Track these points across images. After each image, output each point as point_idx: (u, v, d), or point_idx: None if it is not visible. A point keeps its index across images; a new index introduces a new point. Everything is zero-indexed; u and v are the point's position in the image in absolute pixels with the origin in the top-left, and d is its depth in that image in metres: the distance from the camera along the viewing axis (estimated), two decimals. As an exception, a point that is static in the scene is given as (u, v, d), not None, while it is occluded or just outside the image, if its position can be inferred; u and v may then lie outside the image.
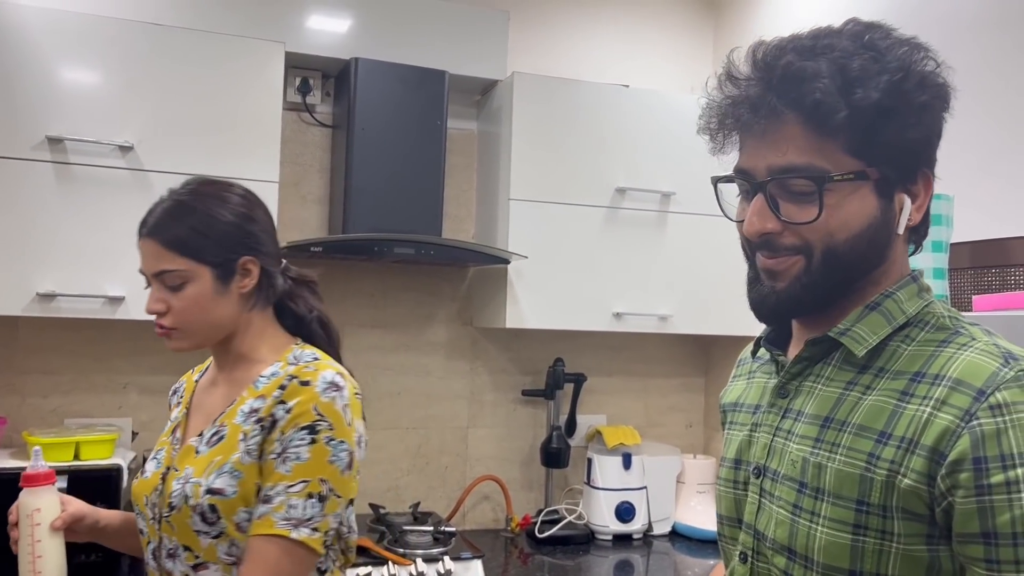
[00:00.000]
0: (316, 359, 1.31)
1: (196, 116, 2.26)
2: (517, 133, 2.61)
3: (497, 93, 2.76)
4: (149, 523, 1.30)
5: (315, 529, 1.19)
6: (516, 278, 2.59)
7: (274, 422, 1.22)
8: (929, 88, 0.89)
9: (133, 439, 2.45)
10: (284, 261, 1.44)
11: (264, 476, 1.21)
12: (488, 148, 2.83)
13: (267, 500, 1.20)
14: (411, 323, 2.83)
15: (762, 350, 1.05)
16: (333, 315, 2.67)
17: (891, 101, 0.86)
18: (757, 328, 1.05)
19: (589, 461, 2.82)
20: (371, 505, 2.62)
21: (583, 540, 2.70)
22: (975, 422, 0.78)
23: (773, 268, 0.91)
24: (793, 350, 0.99)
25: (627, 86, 2.80)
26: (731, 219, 0.97)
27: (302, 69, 2.66)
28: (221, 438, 1.26)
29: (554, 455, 2.79)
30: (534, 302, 2.60)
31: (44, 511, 1.28)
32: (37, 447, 1.31)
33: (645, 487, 2.80)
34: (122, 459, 2.12)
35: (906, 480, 0.81)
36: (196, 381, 1.45)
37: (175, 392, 1.48)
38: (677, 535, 2.82)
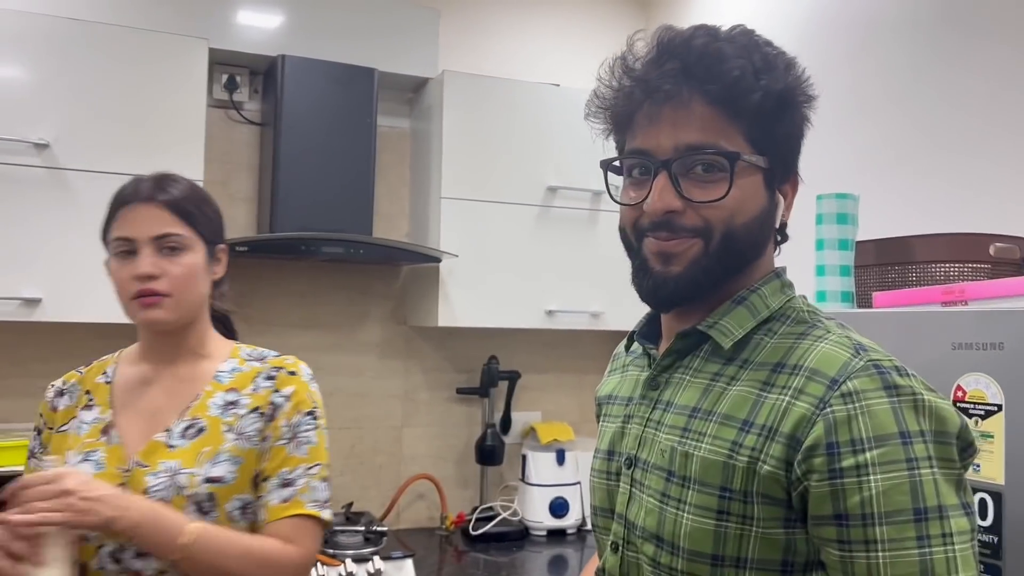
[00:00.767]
0: (278, 354, 1.40)
1: (116, 113, 2.21)
2: (448, 131, 2.61)
3: (428, 91, 2.76)
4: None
5: (328, 510, 1.30)
6: (448, 276, 2.59)
7: (275, 409, 1.30)
8: (806, 94, 0.93)
9: (55, 444, 2.39)
10: None
11: (273, 460, 1.28)
12: (420, 146, 2.82)
13: (289, 483, 1.27)
14: (343, 323, 2.81)
15: (635, 344, 1.07)
16: (262, 315, 2.68)
17: (788, 96, 0.91)
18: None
19: (524, 458, 2.84)
20: (303, 506, 2.60)
21: (517, 536, 2.71)
22: (828, 409, 0.81)
23: (669, 251, 0.90)
24: (664, 344, 1.01)
25: (558, 85, 2.83)
26: (618, 202, 0.96)
27: (229, 66, 2.62)
28: (201, 430, 1.27)
29: (489, 453, 2.80)
30: (467, 300, 2.61)
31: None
32: (50, 458, 1.28)
33: (579, 482, 2.82)
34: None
35: (766, 466, 0.83)
36: (106, 383, 1.34)
37: (62, 394, 1.36)
38: (610, 529, 2.85)
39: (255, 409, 1.31)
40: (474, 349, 2.95)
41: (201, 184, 2.27)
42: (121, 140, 2.21)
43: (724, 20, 3.12)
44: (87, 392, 1.35)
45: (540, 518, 2.75)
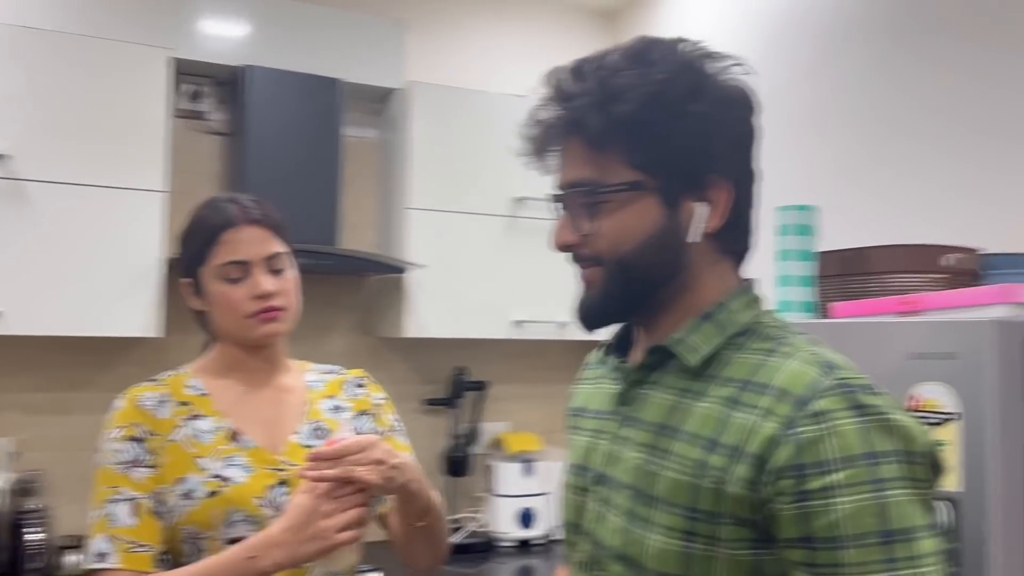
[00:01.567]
0: (344, 367, 1.53)
1: (78, 124, 2.18)
2: (415, 142, 2.61)
3: (395, 101, 2.76)
4: (265, 524, 1.24)
5: None
6: (416, 287, 2.59)
7: (378, 409, 1.44)
8: (705, 97, 0.89)
9: (13, 459, 2.35)
10: None
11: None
12: (387, 156, 2.82)
13: None
14: (309, 334, 2.78)
15: (611, 356, 1.05)
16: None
17: (651, 113, 0.87)
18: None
19: (492, 469, 2.84)
20: (269, 520, 2.57)
21: (485, 548, 2.71)
22: (796, 430, 0.79)
23: (583, 278, 0.94)
24: (637, 357, 1.00)
25: (525, 96, 2.84)
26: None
27: (193, 76, 2.60)
28: (327, 431, 1.36)
29: (457, 464, 2.80)
30: (435, 311, 2.61)
31: None
32: (348, 417, 1.35)
33: (547, 493, 2.83)
34: (1, 480, 2.03)
35: (733, 487, 0.81)
36: (202, 395, 1.33)
37: (162, 403, 1.30)
38: (579, 539, 2.86)
39: (362, 412, 1.43)
40: (441, 360, 2.95)
41: (162, 195, 2.26)
42: (83, 151, 2.18)
43: (691, 31, 3.15)
44: (183, 403, 1.32)
45: (508, 529, 2.75)
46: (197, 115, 2.63)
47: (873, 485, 0.77)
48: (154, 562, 1.22)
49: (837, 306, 1.44)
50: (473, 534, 2.72)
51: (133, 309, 2.22)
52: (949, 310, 1.22)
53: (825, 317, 1.58)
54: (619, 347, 1.04)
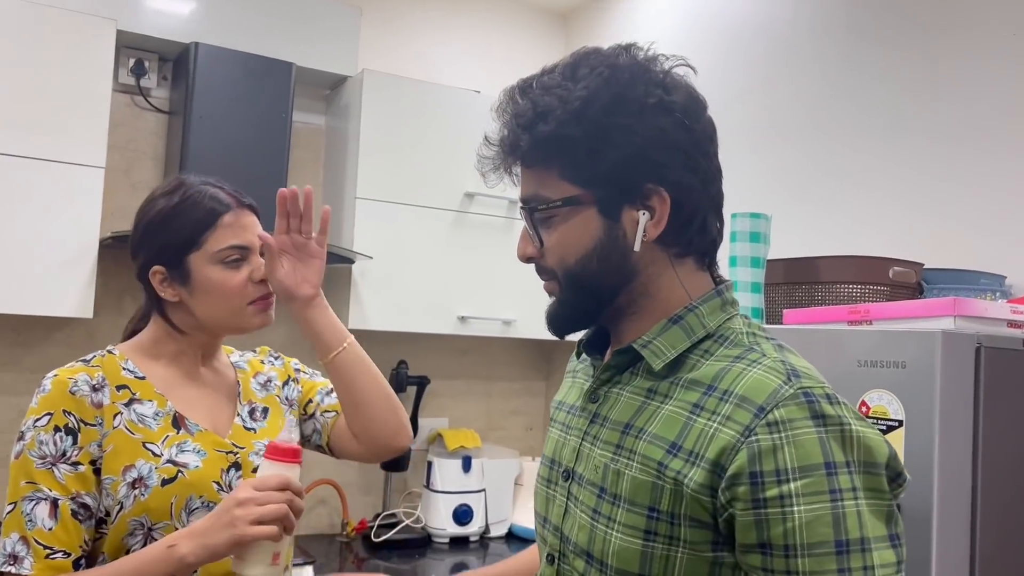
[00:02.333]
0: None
1: (14, 93, 2.08)
2: (366, 131, 2.57)
3: (347, 89, 2.71)
4: None
5: None
6: (361, 278, 2.55)
7: (298, 372, 1.47)
8: (627, 109, 0.89)
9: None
10: None
11: (307, 387, 1.45)
12: (336, 144, 2.77)
13: (329, 391, 1.45)
14: (248, 321, 2.72)
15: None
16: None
17: (571, 130, 0.89)
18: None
19: (429, 464, 2.82)
20: (198, 511, 2.51)
21: (420, 543, 2.69)
22: (753, 438, 0.80)
23: (545, 289, 0.99)
24: (609, 355, 1.02)
25: (479, 92, 2.83)
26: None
27: (137, 50, 2.51)
28: (265, 410, 1.36)
29: (393, 460, 2.76)
30: (379, 303, 2.57)
31: None
32: (292, 417, 1.28)
33: (484, 489, 2.82)
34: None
35: (691, 491, 0.83)
36: (139, 379, 1.24)
37: (97, 389, 1.20)
38: (513, 536, 2.86)
39: (286, 381, 1.44)
40: (383, 353, 2.91)
41: (103, 171, 2.17)
42: (19, 121, 2.08)
43: (643, 30, 3.17)
44: (120, 387, 1.22)
45: (443, 525, 2.73)
46: (139, 91, 2.54)
47: (829, 495, 0.78)
48: (72, 569, 1.14)
49: (788, 312, 1.47)
50: (408, 529, 2.70)
51: (67, 288, 2.13)
52: (898, 320, 1.26)
53: (775, 323, 1.61)
54: (595, 344, 1.05)
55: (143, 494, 1.16)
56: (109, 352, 1.28)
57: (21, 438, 1.16)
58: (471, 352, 3.08)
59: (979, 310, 1.22)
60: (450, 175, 2.67)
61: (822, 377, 0.86)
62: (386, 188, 2.59)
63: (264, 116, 2.48)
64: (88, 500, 1.15)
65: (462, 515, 2.75)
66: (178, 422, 1.24)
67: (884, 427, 1.17)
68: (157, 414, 1.23)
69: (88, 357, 1.26)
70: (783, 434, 0.79)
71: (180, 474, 1.19)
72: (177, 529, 1.17)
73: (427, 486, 2.80)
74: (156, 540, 1.15)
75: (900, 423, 1.15)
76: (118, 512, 1.16)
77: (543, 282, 0.98)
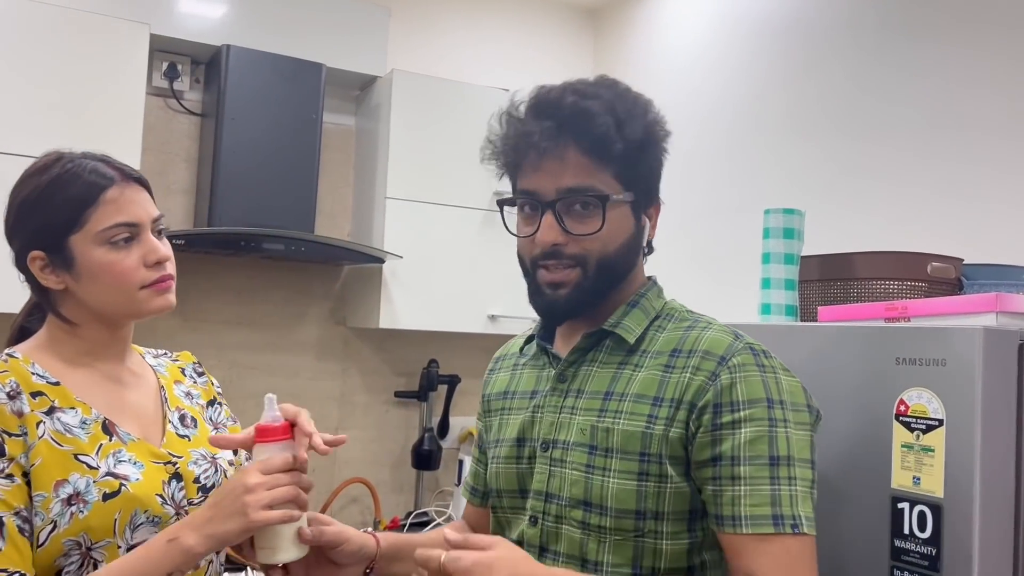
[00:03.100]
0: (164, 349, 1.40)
1: (50, 97, 2.12)
2: (396, 131, 2.58)
3: (376, 89, 2.72)
4: (168, 524, 1.10)
5: None
6: (391, 278, 2.56)
7: (220, 395, 1.36)
8: (663, 131, 1.13)
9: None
10: None
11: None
12: (365, 145, 2.78)
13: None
14: (280, 322, 2.75)
15: (529, 346, 1.25)
16: (196, 311, 2.59)
17: (647, 139, 1.10)
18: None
19: (460, 463, 2.82)
20: (233, 509, 2.53)
21: (452, 542, 2.68)
22: (718, 379, 1.03)
23: (556, 280, 1.09)
24: (561, 344, 1.19)
25: (507, 90, 2.82)
26: (514, 234, 1.16)
27: (170, 53, 2.54)
28: (193, 419, 1.26)
29: (425, 457, 2.77)
30: (409, 302, 2.58)
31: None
32: (271, 395, 1.09)
33: (515, 489, 2.81)
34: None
35: (674, 430, 1.03)
36: (52, 383, 1.11)
37: (14, 397, 1.06)
38: (545, 536, 2.85)
39: (211, 401, 1.33)
40: (414, 352, 2.92)
41: (137, 174, 2.20)
42: (55, 124, 2.12)
43: (672, 29, 3.16)
44: (35, 394, 1.09)
45: (475, 524, 2.73)
46: (172, 94, 2.57)
47: (768, 422, 1.01)
48: None
49: (823, 309, 1.45)
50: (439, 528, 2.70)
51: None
52: (938, 317, 1.23)
53: (810, 320, 1.58)
54: (544, 337, 1.21)
55: (82, 511, 1.04)
56: (10, 356, 1.12)
57: None
58: (501, 351, 3.08)
59: (1022, 306, 1.19)
60: (479, 174, 2.63)
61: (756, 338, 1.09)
62: (416, 187, 2.60)
63: (295, 117, 2.49)
64: (28, 515, 1.02)
65: (493, 514, 2.74)
66: (109, 429, 1.12)
67: (924, 426, 1.14)
68: (84, 422, 1.10)
69: None
70: (738, 374, 1.03)
71: (123, 487, 1.07)
72: (120, 548, 1.06)
73: (458, 484, 2.80)
74: (96, 560, 1.05)
75: (940, 422, 1.12)
76: (50, 532, 1.02)
77: (555, 270, 1.08)
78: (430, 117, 2.63)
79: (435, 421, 2.85)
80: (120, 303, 1.14)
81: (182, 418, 1.24)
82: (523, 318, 2.69)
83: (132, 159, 2.19)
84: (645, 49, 2.97)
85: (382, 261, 2.52)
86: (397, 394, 2.87)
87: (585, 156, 1.06)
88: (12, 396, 1.05)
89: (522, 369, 1.25)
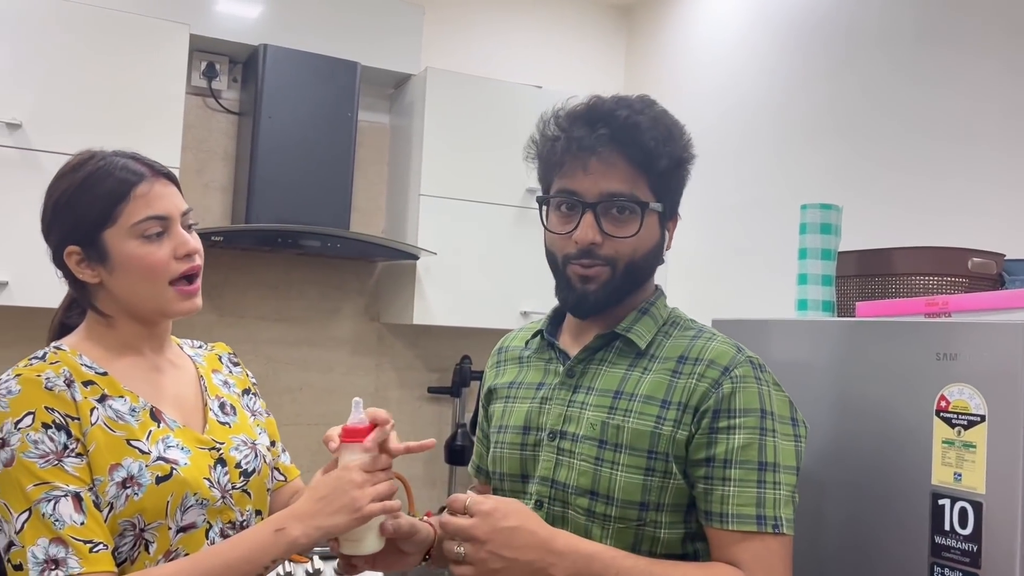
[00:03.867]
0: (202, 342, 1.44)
1: (93, 96, 2.16)
2: (429, 128, 2.60)
3: (410, 87, 2.74)
4: (215, 507, 1.16)
5: None
6: (425, 274, 2.57)
7: (255, 386, 1.40)
8: (691, 154, 1.21)
9: None
10: None
11: (271, 429, 1.38)
12: (400, 142, 2.80)
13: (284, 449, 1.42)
14: (315, 317, 2.78)
15: (533, 341, 1.33)
16: (233, 307, 2.63)
17: (683, 156, 1.19)
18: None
19: (493, 459, 2.83)
20: (269, 502, 2.56)
21: (484, 537, 2.70)
22: (720, 387, 1.11)
23: (588, 275, 1.16)
24: (569, 341, 1.27)
25: (540, 87, 2.83)
26: (549, 229, 1.21)
27: (208, 53, 2.58)
28: (232, 407, 1.30)
29: (458, 452, 2.79)
30: (442, 299, 2.59)
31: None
32: (358, 398, 1.16)
33: (547, 485, 2.82)
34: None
35: (680, 432, 1.11)
36: (101, 374, 1.14)
37: (71, 384, 1.10)
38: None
39: (246, 391, 1.37)
40: (447, 348, 2.94)
41: (177, 172, 2.23)
42: (96, 123, 2.16)
43: (705, 28, 3.14)
44: (86, 383, 1.12)
45: (508, 520, 2.74)
46: (211, 93, 2.61)
47: (760, 430, 1.09)
48: (114, 560, 1.05)
49: (861, 305, 1.44)
50: (473, 524, 2.71)
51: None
52: (979, 312, 1.22)
53: (845, 316, 1.57)
54: (552, 333, 1.30)
55: (136, 493, 1.08)
56: (58, 348, 1.16)
57: (4, 445, 1.03)
58: (534, 347, 3.08)
59: (1065, 301, 1.17)
60: (512, 171, 2.67)
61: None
62: (449, 185, 2.61)
63: (330, 115, 2.52)
64: (95, 492, 1.07)
65: (526, 510, 2.75)
66: (156, 416, 1.16)
67: (965, 422, 1.13)
68: (133, 410, 1.14)
69: (40, 354, 1.15)
70: (738, 384, 1.11)
71: (174, 471, 1.12)
72: (171, 529, 1.11)
73: (491, 480, 2.82)
74: (148, 541, 1.09)
75: (982, 418, 1.11)
76: (108, 513, 1.06)
77: (587, 267, 1.15)
78: (463, 114, 2.64)
79: (468, 417, 2.86)
80: (150, 297, 1.17)
81: (222, 406, 1.28)
82: (556, 314, 2.69)
83: (172, 157, 2.23)
84: (678, 46, 2.96)
85: (416, 257, 2.54)
86: (430, 390, 2.89)
87: (631, 165, 1.14)
88: (69, 384, 1.09)
89: (527, 362, 1.33)
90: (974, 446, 1.12)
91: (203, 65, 2.58)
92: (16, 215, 2.07)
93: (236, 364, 1.40)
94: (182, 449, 1.15)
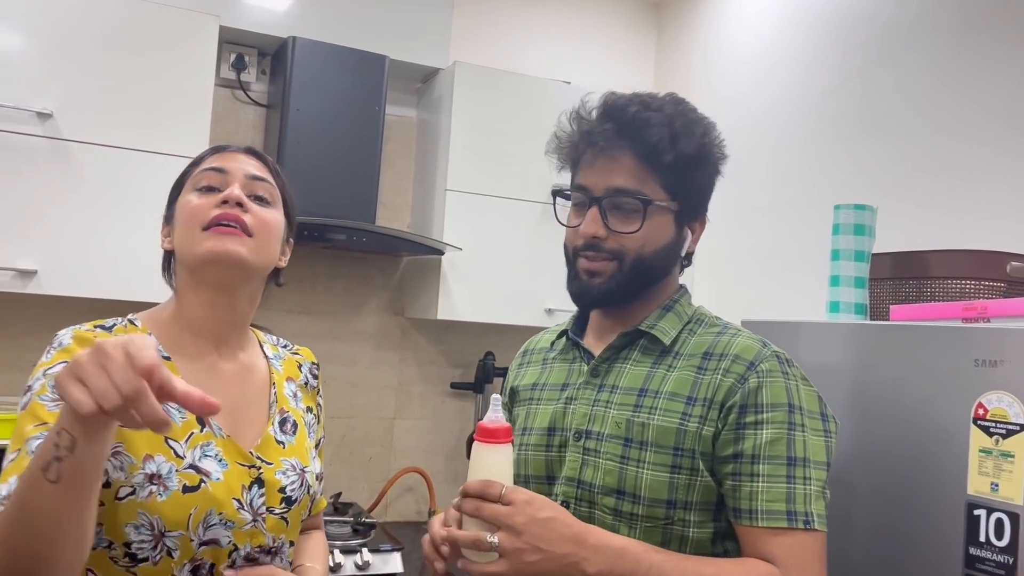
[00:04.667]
0: (286, 341, 1.35)
1: (123, 86, 2.17)
2: (457, 123, 2.58)
3: (438, 81, 2.73)
4: (242, 529, 1.08)
5: None
6: (450, 269, 2.56)
7: (320, 409, 1.31)
8: (719, 153, 1.20)
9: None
10: None
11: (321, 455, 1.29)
12: (427, 137, 2.79)
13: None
14: (339, 311, 2.78)
15: (559, 341, 1.33)
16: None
17: (700, 156, 1.17)
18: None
19: (515, 456, 2.82)
20: (291, 494, 2.57)
21: (505, 535, 2.69)
22: (746, 382, 1.11)
23: (593, 269, 1.17)
24: (594, 341, 1.26)
25: (569, 83, 2.80)
26: (562, 223, 1.24)
27: (237, 45, 2.58)
28: (295, 425, 1.22)
29: (480, 449, 2.77)
30: (467, 294, 2.58)
31: (491, 473, 1.05)
32: (496, 395, 1.09)
33: (569, 483, 2.80)
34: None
35: (706, 428, 1.11)
36: (164, 358, 1.09)
37: None
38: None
39: (309, 409, 1.28)
40: (471, 344, 2.93)
41: (205, 163, 2.24)
42: (126, 114, 2.17)
43: (735, 24, 3.09)
44: None
45: (529, 517, 2.72)
46: (240, 85, 2.61)
47: (788, 426, 1.09)
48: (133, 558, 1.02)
49: (896, 308, 1.40)
50: (494, 521, 2.70)
51: (170, 276, 2.20)
52: (1016, 318, 1.18)
53: (878, 319, 1.54)
54: (577, 335, 1.29)
55: (160, 495, 1.02)
56: (131, 323, 1.13)
57: (29, 389, 1.02)
58: (558, 345, 3.06)
59: (1110, 308, 1.14)
60: (539, 167, 2.62)
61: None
62: (476, 180, 2.60)
63: (358, 108, 2.51)
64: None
65: (547, 508, 2.73)
66: (203, 419, 1.10)
67: (1004, 431, 1.10)
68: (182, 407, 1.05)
69: (108, 324, 1.11)
70: (764, 379, 1.11)
71: (203, 483, 1.05)
72: (192, 541, 1.04)
73: (512, 478, 2.80)
74: (169, 547, 1.03)
75: (1021, 427, 1.08)
76: (128, 494, 1.02)
77: (594, 261, 1.16)
78: (491, 109, 2.63)
79: (490, 413, 2.85)
80: (185, 242, 1.11)
81: (283, 422, 1.20)
82: (581, 312, 2.67)
83: (200, 148, 2.21)
84: (709, 42, 2.93)
85: (441, 253, 2.53)
86: (453, 385, 2.88)
87: (637, 161, 1.14)
88: None
89: (551, 363, 1.32)
90: (1012, 456, 1.09)
91: (232, 57, 2.58)
92: (46, 204, 2.09)
93: (315, 377, 1.32)
94: (219, 461, 1.08)
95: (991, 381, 1.12)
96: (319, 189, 2.45)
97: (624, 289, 1.17)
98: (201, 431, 1.09)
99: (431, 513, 2.74)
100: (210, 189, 1.12)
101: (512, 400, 1.37)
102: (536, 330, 2.98)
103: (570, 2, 3.11)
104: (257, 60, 2.63)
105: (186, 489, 1.04)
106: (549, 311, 2.64)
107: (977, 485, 1.13)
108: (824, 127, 2.39)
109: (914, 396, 1.24)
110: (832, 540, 1.13)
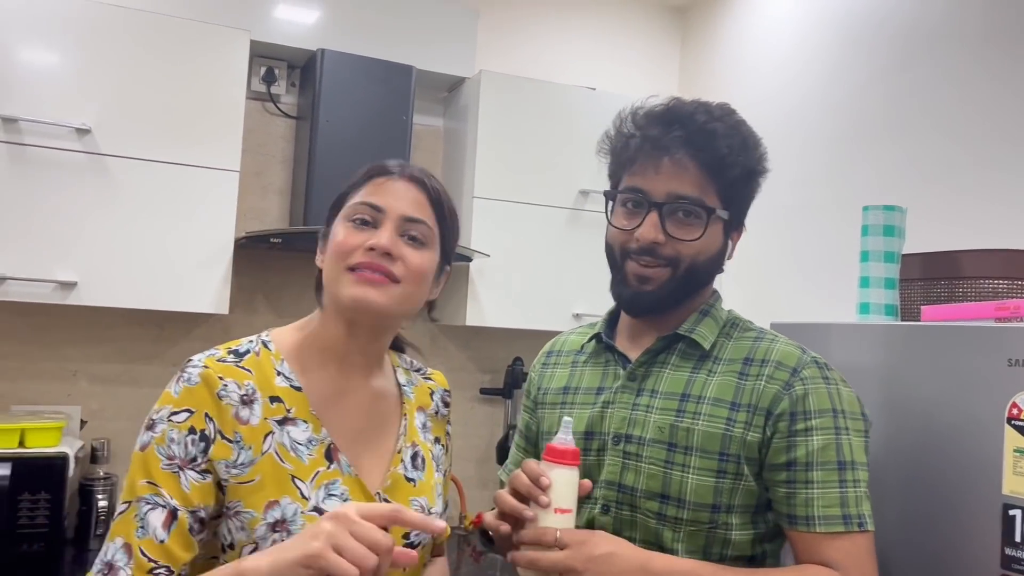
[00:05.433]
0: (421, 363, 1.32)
1: (157, 101, 2.22)
2: (483, 131, 2.61)
3: (464, 90, 2.75)
4: None
5: None
6: (478, 276, 2.58)
7: (448, 439, 1.28)
8: (765, 168, 1.22)
9: (82, 427, 2.40)
10: None
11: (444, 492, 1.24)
12: (453, 145, 2.82)
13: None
14: (370, 318, 2.80)
15: (589, 344, 1.32)
16: (291, 309, 2.67)
17: (756, 168, 1.20)
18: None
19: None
20: (324, 500, 2.59)
21: (536, 539, 2.70)
22: (792, 388, 1.12)
23: (646, 275, 1.17)
24: (627, 344, 1.26)
25: (594, 89, 2.82)
26: (615, 226, 1.22)
27: (267, 59, 2.63)
28: (424, 459, 1.17)
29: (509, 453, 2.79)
30: (495, 300, 2.60)
31: (557, 493, 1.06)
32: (568, 418, 1.10)
33: (599, 488, 2.81)
34: (69, 447, 2.08)
35: (751, 433, 1.12)
36: (294, 388, 1.08)
37: (249, 402, 1.04)
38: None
39: (437, 439, 1.24)
40: (499, 350, 2.95)
41: (238, 175, 2.28)
42: (161, 128, 2.22)
43: (760, 30, 3.09)
44: (273, 400, 1.05)
45: (560, 522, 2.73)
46: (270, 97, 2.66)
47: (835, 430, 1.11)
48: None
49: (927, 309, 1.40)
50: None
51: (205, 286, 2.25)
52: (1052, 317, 1.18)
53: (909, 320, 1.53)
54: (609, 336, 1.29)
55: (284, 540, 0.97)
56: (264, 346, 1.11)
57: (151, 427, 1.01)
58: (586, 350, 3.07)
59: None
60: (565, 172, 2.67)
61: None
62: (503, 187, 2.62)
63: (386, 118, 2.55)
64: (204, 515, 1.00)
65: (578, 512, 2.74)
66: (331, 455, 1.06)
67: (1038, 430, 1.10)
68: (311, 441, 1.05)
69: (241, 349, 1.09)
70: (808, 386, 1.12)
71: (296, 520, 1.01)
72: None
73: (543, 483, 2.81)
74: None
75: (1057, 426, 1.08)
76: (251, 551, 0.99)
77: (648, 266, 1.16)
78: (517, 117, 2.65)
79: (519, 418, 2.86)
80: (331, 279, 1.09)
81: (414, 457, 1.16)
82: (609, 317, 2.68)
83: (232, 161, 2.28)
84: (734, 47, 2.93)
85: (469, 259, 2.55)
86: (482, 391, 2.90)
87: (702, 170, 1.15)
88: (245, 402, 1.03)
89: (583, 367, 1.31)
90: (1048, 456, 1.08)
91: (262, 71, 2.63)
92: (85, 217, 2.14)
93: (447, 405, 1.28)
94: (344, 501, 1.04)
95: (1025, 381, 1.12)
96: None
97: (674, 296, 1.18)
98: (328, 467, 1.06)
99: (462, 518, 2.76)
100: (364, 223, 1.10)
101: (537, 403, 1.36)
102: (564, 335, 2.99)
103: (594, 9, 3.13)
104: (287, 73, 2.67)
105: None
106: (577, 316, 2.66)
107: (1012, 485, 1.13)
108: (851, 128, 2.39)
109: (947, 397, 1.24)
110: (866, 541, 1.13)
